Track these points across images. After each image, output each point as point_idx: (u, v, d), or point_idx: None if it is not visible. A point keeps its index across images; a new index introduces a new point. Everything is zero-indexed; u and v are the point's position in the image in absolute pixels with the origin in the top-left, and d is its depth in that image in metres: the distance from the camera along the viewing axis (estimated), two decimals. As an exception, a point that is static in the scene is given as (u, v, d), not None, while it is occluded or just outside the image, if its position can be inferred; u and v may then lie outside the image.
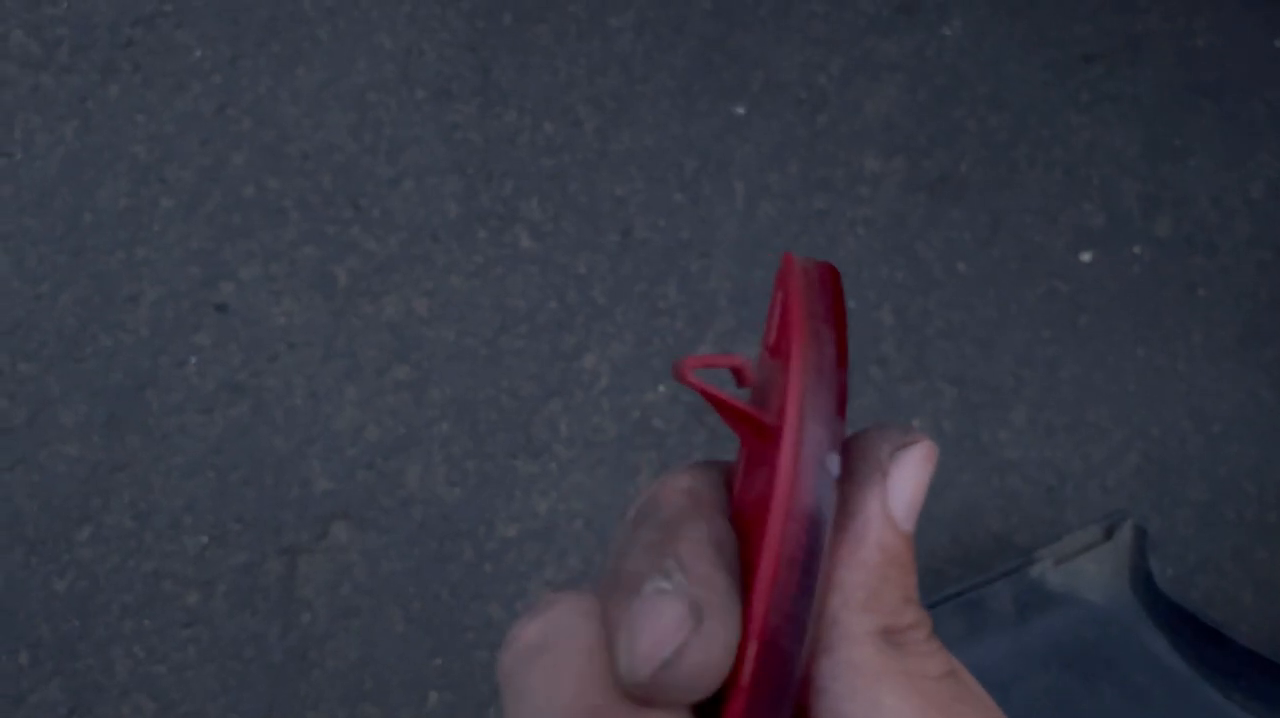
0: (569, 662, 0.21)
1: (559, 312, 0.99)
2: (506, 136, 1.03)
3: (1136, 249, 1.02)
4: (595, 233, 1.01)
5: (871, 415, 0.97)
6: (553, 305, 0.99)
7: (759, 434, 0.23)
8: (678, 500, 0.23)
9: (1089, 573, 0.86)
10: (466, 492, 0.95)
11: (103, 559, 0.94)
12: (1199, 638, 0.84)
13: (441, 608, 0.93)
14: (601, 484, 0.96)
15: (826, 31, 1.06)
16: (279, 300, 0.99)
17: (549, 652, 0.21)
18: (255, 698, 0.91)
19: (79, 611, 0.93)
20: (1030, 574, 0.85)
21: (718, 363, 0.25)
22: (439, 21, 1.05)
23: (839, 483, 0.21)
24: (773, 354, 0.24)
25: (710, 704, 0.20)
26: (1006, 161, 1.03)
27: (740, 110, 1.04)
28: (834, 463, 0.21)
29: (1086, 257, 1.02)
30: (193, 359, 0.97)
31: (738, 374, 0.26)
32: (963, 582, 0.85)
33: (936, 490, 0.96)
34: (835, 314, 0.22)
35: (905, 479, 0.22)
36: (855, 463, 0.22)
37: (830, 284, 0.23)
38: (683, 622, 0.19)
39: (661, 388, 0.98)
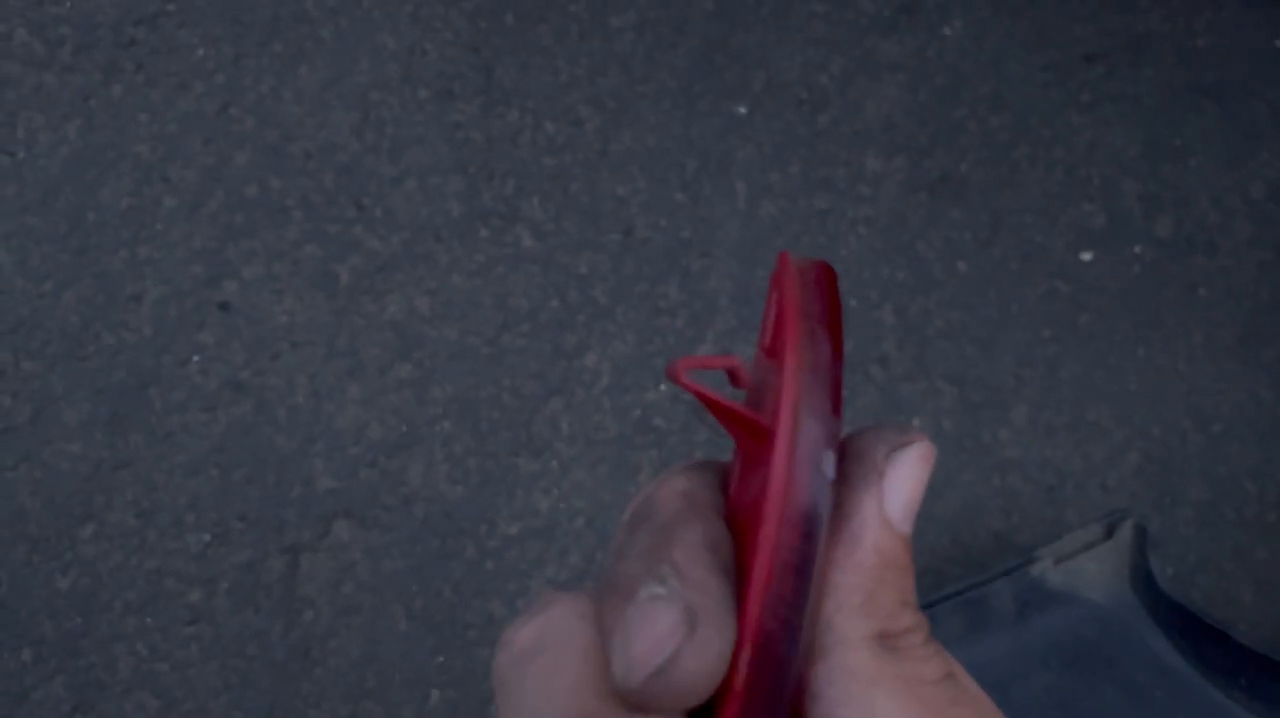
0: (564, 665, 0.21)
1: (560, 311, 0.99)
2: (508, 136, 1.03)
3: (1137, 249, 1.02)
4: (597, 232, 1.01)
5: (872, 415, 0.97)
6: (554, 304, 0.99)
7: (753, 436, 0.22)
8: (674, 503, 0.23)
9: (1089, 572, 0.86)
10: (468, 490, 0.95)
11: (106, 557, 0.94)
12: (1199, 637, 0.84)
13: (443, 606, 0.93)
14: (603, 483, 0.96)
15: (827, 32, 1.06)
16: (282, 299, 0.99)
17: (544, 654, 0.21)
18: (258, 696, 0.92)
19: (82, 608, 0.93)
20: (1031, 573, 0.85)
21: (712, 364, 0.24)
22: (441, 21, 1.05)
23: (834, 485, 0.21)
24: (768, 355, 0.23)
25: (705, 709, 0.20)
26: (1007, 161, 1.03)
27: (742, 110, 1.04)
28: (829, 465, 0.20)
29: (1087, 256, 1.02)
30: (195, 358, 0.97)
31: (732, 375, 0.25)
32: (963, 581, 0.85)
33: (937, 490, 0.96)
34: (831, 314, 0.22)
35: (902, 480, 0.22)
36: (851, 464, 0.22)
37: (826, 283, 0.23)
38: (676, 628, 0.19)
39: (663, 387, 0.98)
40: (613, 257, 1.00)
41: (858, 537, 0.21)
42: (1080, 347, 1.00)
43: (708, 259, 1.00)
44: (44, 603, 0.93)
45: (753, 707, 0.20)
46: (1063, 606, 0.86)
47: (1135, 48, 1.06)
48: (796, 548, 0.20)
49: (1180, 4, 1.07)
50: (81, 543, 0.94)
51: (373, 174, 1.01)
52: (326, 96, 1.03)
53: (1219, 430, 0.98)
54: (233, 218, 1.00)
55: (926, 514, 0.96)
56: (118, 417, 0.96)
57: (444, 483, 0.95)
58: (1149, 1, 1.07)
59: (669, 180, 1.02)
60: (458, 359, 0.98)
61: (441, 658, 0.92)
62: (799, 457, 0.20)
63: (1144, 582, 0.86)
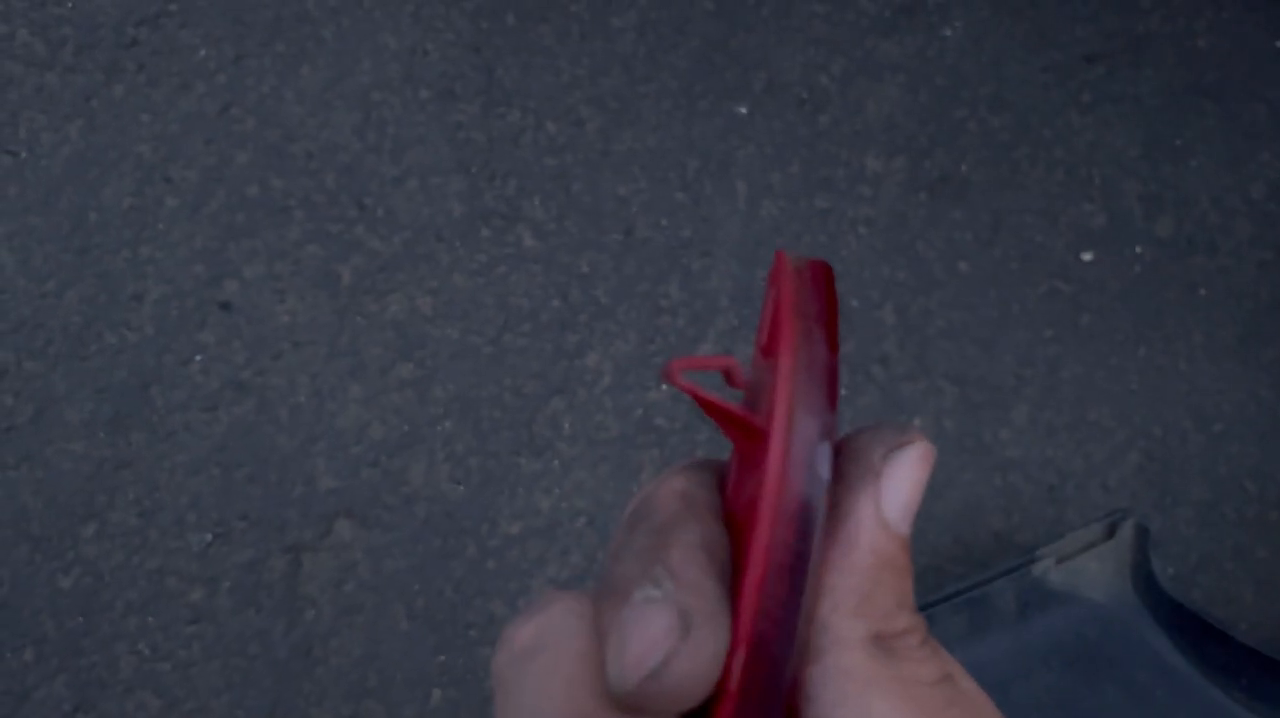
0: (561, 666, 0.21)
1: (562, 310, 0.99)
2: (510, 136, 1.03)
3: (1138, 249, 1.02)
4: (598, 232, 1.01)
5: (873, 414, 0.97)
6: (556, 304, 0.99)
7: (749, 436, 0.22)
8: (671, 503, 0.22)
9: (1090, 572, 0.86)
10: (470, 489, 0.95)
11: (107, 556, 0.94)
12: (1200, 636, 0.84)
13: (445, 605, 0.93)
14: (604, 482, 0.96)
15: (828, 32, 1.06)
16: (283, 299, 0.99)
17: (542, 654, 0.21)
18: (259, 695, 0.92)
19: (84, 607, 0.93)
20: (1032, 573, 0.85)
21: (708, 364, 0.24)
22: (443, 22, 1.05)
23: (831, 485, 0.20)
24: (765, 354, 0.23)
25: (700, 710, 0.20)
26: (1008, 162, 1.03)
27: (742, 110, 1.04)
28: (824, 466, 0.20)
29: (1088, 256, 1.02)
30: (197, 357, 0.98)
31: (728, 375, 0.25)
32: (964, 580, 0.85)
33: (938, 489, 0.96)
34: (828, 313, 0.22)
35: (900, 481, 0.21)
36: (848, 465, 0.22)
37: (823, 282, 0.23)
38: (670, 631, 0.19)
39: (664, 386, 0.98)
40: (614, 256, 1.00)
41: (853, 538, 0.21)
42: (1081, 346, 1.00)
43: (709, 259, 1.00)
44: (46, 602, 0.93)
45: (747, 708, 0.20)
46: (1064, 605, 0.86)
47: (1136, 48, 1.06)
48: (791, 549, 0.20)
49: (1180, 4, 1.07)
50: (83, 542, 0.94)
51: (374, 174, 1.02)
52: (328, 96, 1.03)
53: (1219, 430, 0.98)
54: (234, 218, 1.00)
55: (927, 514, 0.96)
56: (120, 416, 0.96)
57: (445, 482, 0.96)
58: (1149, 2, 1.07)
59: (670, 180, 1.02)
60: (459, 359, 0.98)
61: (443, 657, 0.93)
62: (793, 457, 0.20)
63: (1145, 582, 0.86)
